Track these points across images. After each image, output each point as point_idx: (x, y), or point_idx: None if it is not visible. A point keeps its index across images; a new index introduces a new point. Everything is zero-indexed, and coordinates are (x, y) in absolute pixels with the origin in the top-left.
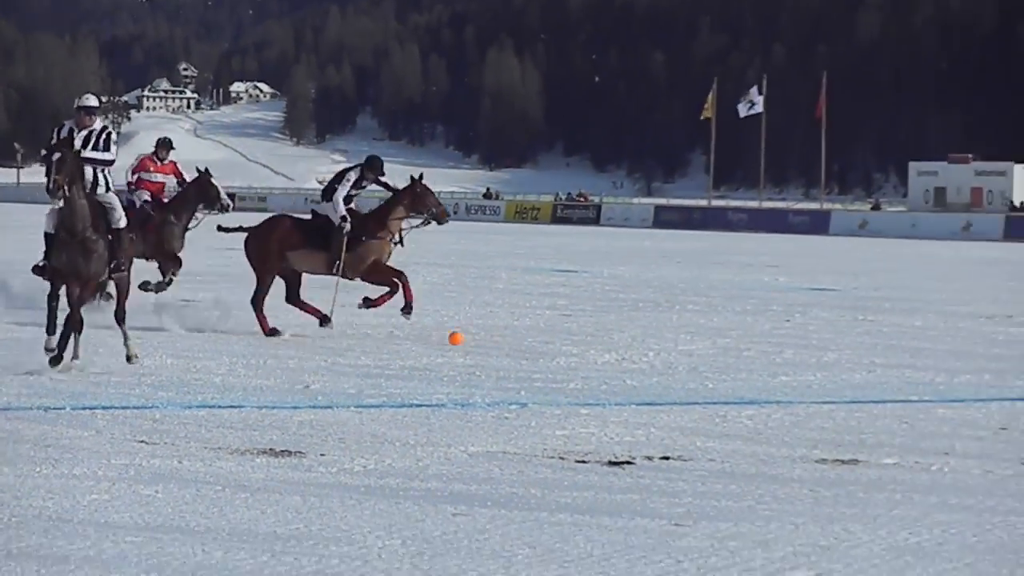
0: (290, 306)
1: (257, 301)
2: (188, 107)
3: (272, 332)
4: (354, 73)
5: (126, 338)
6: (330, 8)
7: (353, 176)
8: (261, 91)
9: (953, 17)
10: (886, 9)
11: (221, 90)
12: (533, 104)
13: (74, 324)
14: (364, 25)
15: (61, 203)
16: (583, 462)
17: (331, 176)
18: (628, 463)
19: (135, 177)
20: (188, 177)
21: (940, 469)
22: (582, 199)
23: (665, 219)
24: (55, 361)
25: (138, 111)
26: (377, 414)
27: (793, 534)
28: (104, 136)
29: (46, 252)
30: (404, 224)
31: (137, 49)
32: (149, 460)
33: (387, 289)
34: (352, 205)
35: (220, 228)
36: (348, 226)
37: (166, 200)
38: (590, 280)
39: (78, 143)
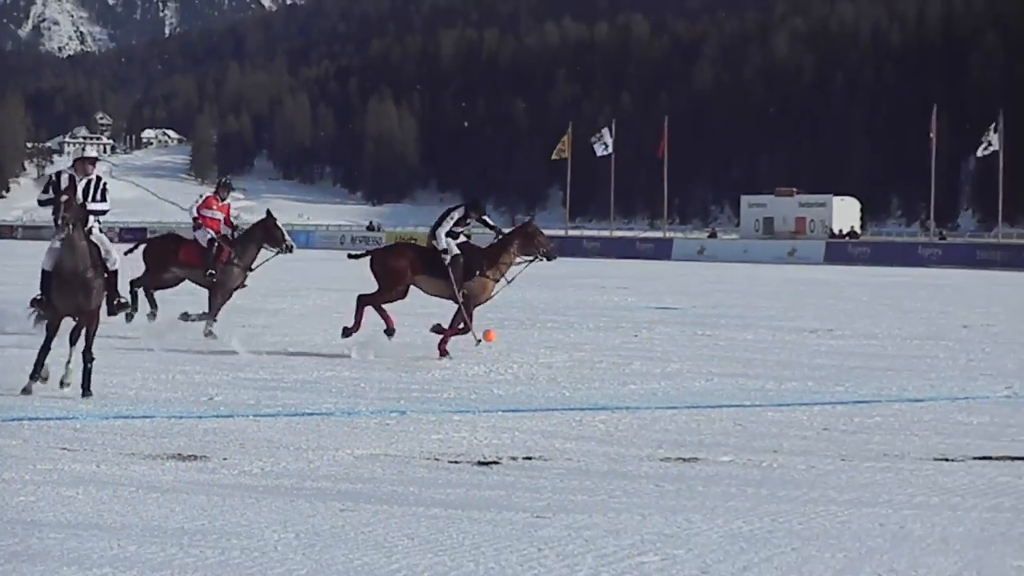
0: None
1: (364, 300)
2: (104, 152)
3: (347, 332)
4: (251, 120)
5: (70, 362)
6: (230, 64)
7: (456, 215)
8: (169, 137)
9: (778, 68)
10: (719, 62)
11: (134, 136)
12: (410, 146)
13: (86, 355)
14: (260, 78)
15: (60, 242)
16: (455, 462)
17: (440, 214)
18: (495, 463)
19: (198, 213)
20: (232, 219)
21: (770, 465)
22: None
23: None
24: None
25: (60, 155)
26: (273, 422)
27: (641, 524)
28: (101, 186)
29: (43, 288)
30: (516, 264)
31: (59, 100)
32: (70, 465)
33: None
34: (460, 239)
35: (350, 256)
36: (449, 256)
37: (226, 237)
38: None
39: (79, 192)
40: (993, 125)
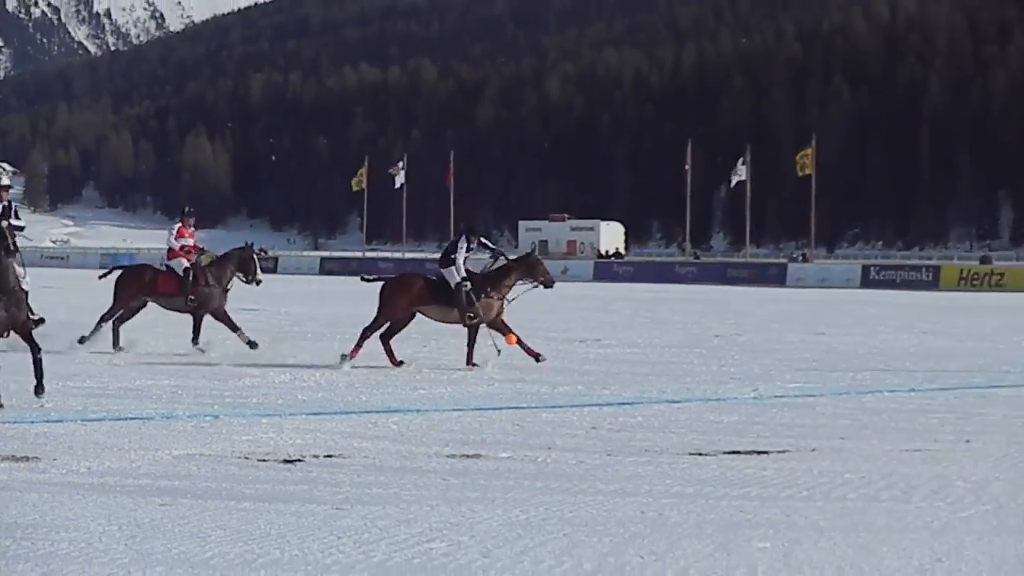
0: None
1: (370, 331)
2: None
3: (345, 357)
4: (79, 154)
5: None
6: (59, 104)
7: (464, 244)
8: (4, 169)
9: (551, 107)
10: (499, 102)
11: None
12: (223, 178)
13: (35, 351)
14: (87, 117)
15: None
16: (264, 460)
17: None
18: (299, 460)
19: (179, 244)
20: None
21: (544, 460)
22: (264, 252)
23: (329, 268)
24: None
25: None
26: (98, 426)
27: (429, 514)
28: (14, 208)
29: None
30: (517, 287)
31: None
32: None
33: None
34: (469, 267)
35: (363, 279)
36: (468, 285)
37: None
38: (269, 317)
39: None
40: (741, 159)
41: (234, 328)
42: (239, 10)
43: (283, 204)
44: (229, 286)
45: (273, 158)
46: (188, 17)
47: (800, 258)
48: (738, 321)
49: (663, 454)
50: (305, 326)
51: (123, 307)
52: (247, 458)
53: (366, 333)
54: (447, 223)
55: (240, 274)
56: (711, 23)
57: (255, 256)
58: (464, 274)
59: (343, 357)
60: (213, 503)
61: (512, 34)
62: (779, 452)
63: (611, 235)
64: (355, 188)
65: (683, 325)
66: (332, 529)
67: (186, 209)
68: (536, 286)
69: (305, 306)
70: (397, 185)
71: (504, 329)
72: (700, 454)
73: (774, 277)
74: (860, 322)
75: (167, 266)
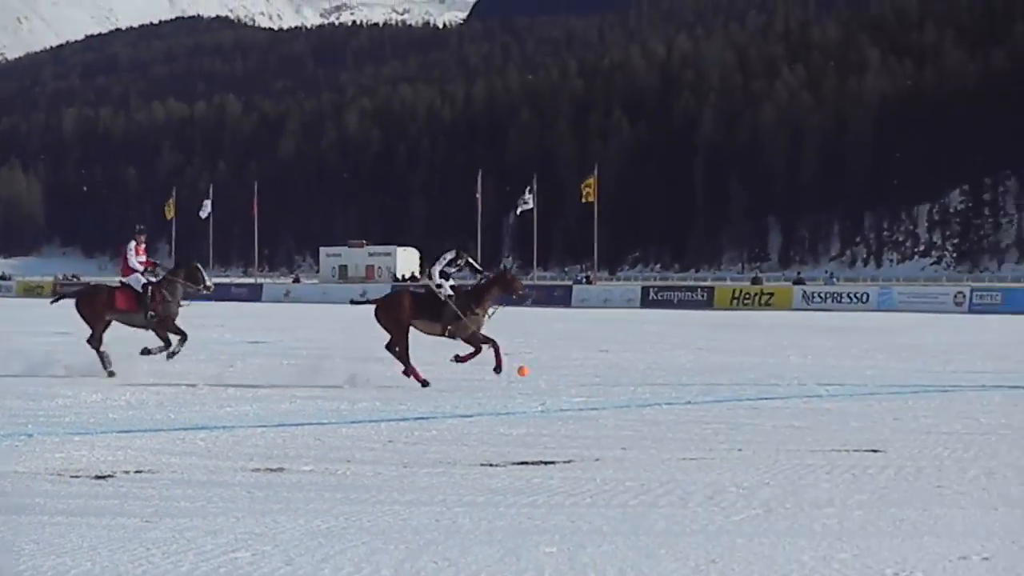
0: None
1: (391, 348)
2: None
3: (408, 374)
4: None
5: None
6: None
7: (448, 256)
8: None
9: (350, 140)
10: (300, 135)
11: None
12: (36, 208)
13: None
14: None
15: None
16: (76, 476)
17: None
18: (110, 476)
19: (138, 264)
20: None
21: (344, 473)
22: (75, 278)
23: None
24: None
25: None
26: None
27: (235, 525)
28: None
29: None
30: (495, 302)
31: None
32: None
33: (472, 350)
34: (452, 282)
35: (353, 302)
36: (444, 292)
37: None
38: (79, 339)
39: None
40: (528, 187)
41: (167, 343)
42: (51, 48)
43: (95, 232)
44: (183, 301)
45: (85, 188)
46: (1, 55)
47: (584, 280)
48: (527, 340)
49: (456, 465)
50: (115, 348)
51: (101, 325)
52: (60, 475)
53: (399, 357)
54: (251, 250)
55: (190, 284)
56: (499, 61)
57: (199, 265)
58: (440, 282)
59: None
60: (27, 519)
61: (312, 71)
62: (565, 462)
63: (407, 260)
64: (168, 215)
65: None
66: (142, 541)
67: (137, 227)
68: (515, 299)
69: (112, 328)
70: (204, 215)
71: (477, 343)
72: (491, 465)
73: (560, 298)
74: (640, 339)
75: (122, 283)
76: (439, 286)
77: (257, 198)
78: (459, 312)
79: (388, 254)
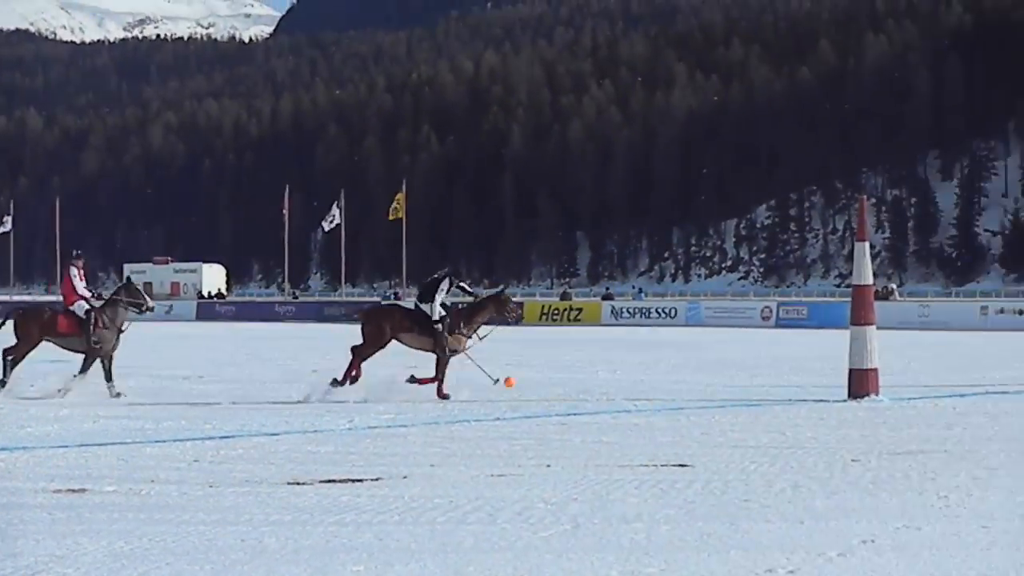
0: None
1: (358, 357)
2: None
3: (335, 383)
4: None
5: None
6: None
7: (446, 285)
8: None
9: (154, 155)
10: (103, 150)
11: None
12: None
13: None
14: None
15: None
16: None
17: (427, 282)
18: None
19: (83, 289)
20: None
21: (148, 493)
22: None
23: None
24: None
25: None
26: None
27: (36, 547)
28: None
29: None
30: (486, 324)
31: None
32: None
33: (432, 375)
34: (447, 300)
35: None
36: (442, 326)
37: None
38: None
39: None
40: (336, 203)
41: (88, 367)
42: None
43: None
44: (124, 327)
45: None
46: None
47: (393, 296)
48: (334, 357)
49: (262, 484)
50: None
51: (32, 346)
52: None
53: (355, 360)
54: (54, 267)
55: (132, 308)
56: (306, 76)
57: (137, 287)
58: (443, 313)
59: (335, 382)
60: None
61: (116, 85)
62: (373, 480)
63: (213, 276)
64: None
65: (282, 361)
66: None
67: (75, 252)
68: (507, 322)
69: None
70: (3, 231)
71: (441, 369)
72: (298, 483)
73: None
74: None
75: (66, 308)
76: (441, 318)
77: (59, 214)
78: (447, 330)
79: (194, 271)
